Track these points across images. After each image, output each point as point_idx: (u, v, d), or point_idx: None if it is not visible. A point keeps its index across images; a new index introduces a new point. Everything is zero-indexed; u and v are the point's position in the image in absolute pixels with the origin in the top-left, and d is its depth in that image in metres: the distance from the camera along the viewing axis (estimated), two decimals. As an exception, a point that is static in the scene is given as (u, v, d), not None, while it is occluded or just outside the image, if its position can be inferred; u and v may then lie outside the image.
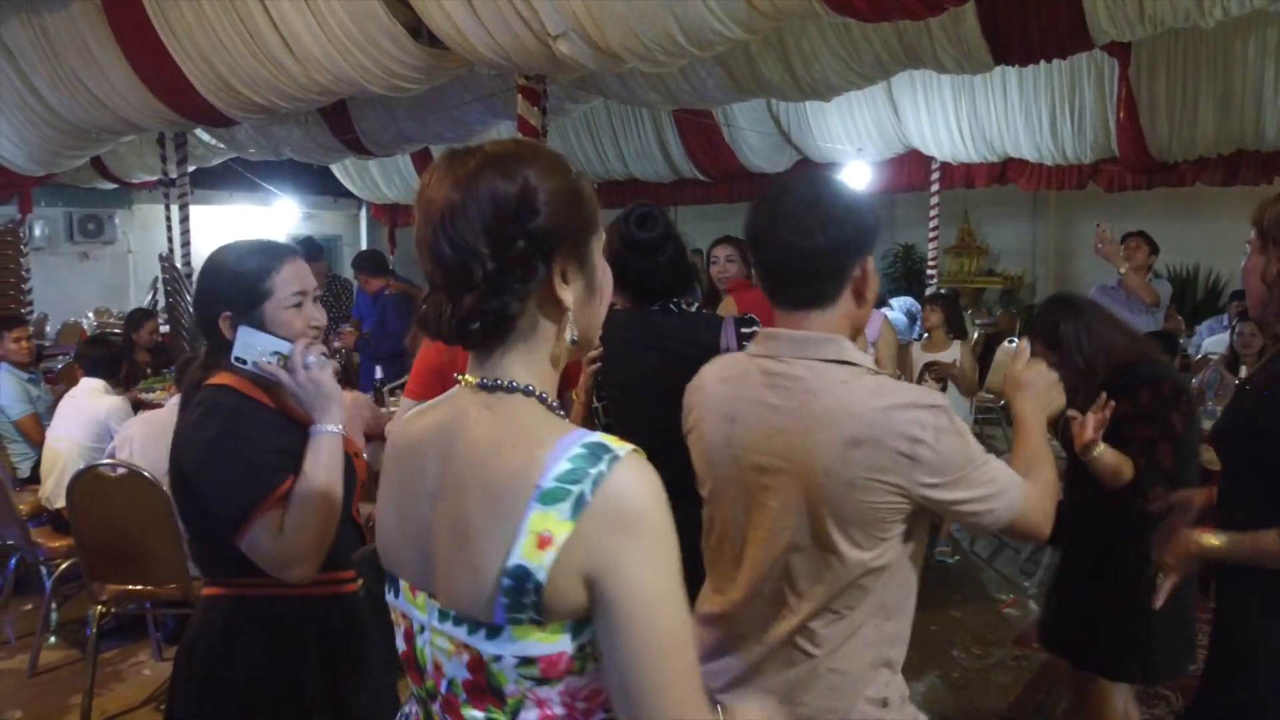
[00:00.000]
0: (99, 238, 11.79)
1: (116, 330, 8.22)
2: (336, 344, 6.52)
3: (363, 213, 14.36)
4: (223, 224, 10.95)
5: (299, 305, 1.82)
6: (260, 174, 11.10)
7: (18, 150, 6.36)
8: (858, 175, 8.94)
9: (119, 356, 5.09)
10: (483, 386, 1.07)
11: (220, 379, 1.78)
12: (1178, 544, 1.97)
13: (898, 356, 4.75)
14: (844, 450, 1.41)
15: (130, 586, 3.61)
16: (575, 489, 0.96)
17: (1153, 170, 7.79)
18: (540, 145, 1.11)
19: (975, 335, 8.19)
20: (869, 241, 1.53)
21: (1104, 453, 2.43)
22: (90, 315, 10.53)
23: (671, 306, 2.41)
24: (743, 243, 4.17)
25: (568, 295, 1.07)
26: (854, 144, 8.77)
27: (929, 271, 9.34)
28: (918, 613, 1.57)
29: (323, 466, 1.73)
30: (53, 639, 4.24)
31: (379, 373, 5.94)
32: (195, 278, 1.92)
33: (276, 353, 1.76)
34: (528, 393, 1.06)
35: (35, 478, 4.82)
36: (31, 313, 8.97)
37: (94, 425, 4.43)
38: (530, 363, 1.08)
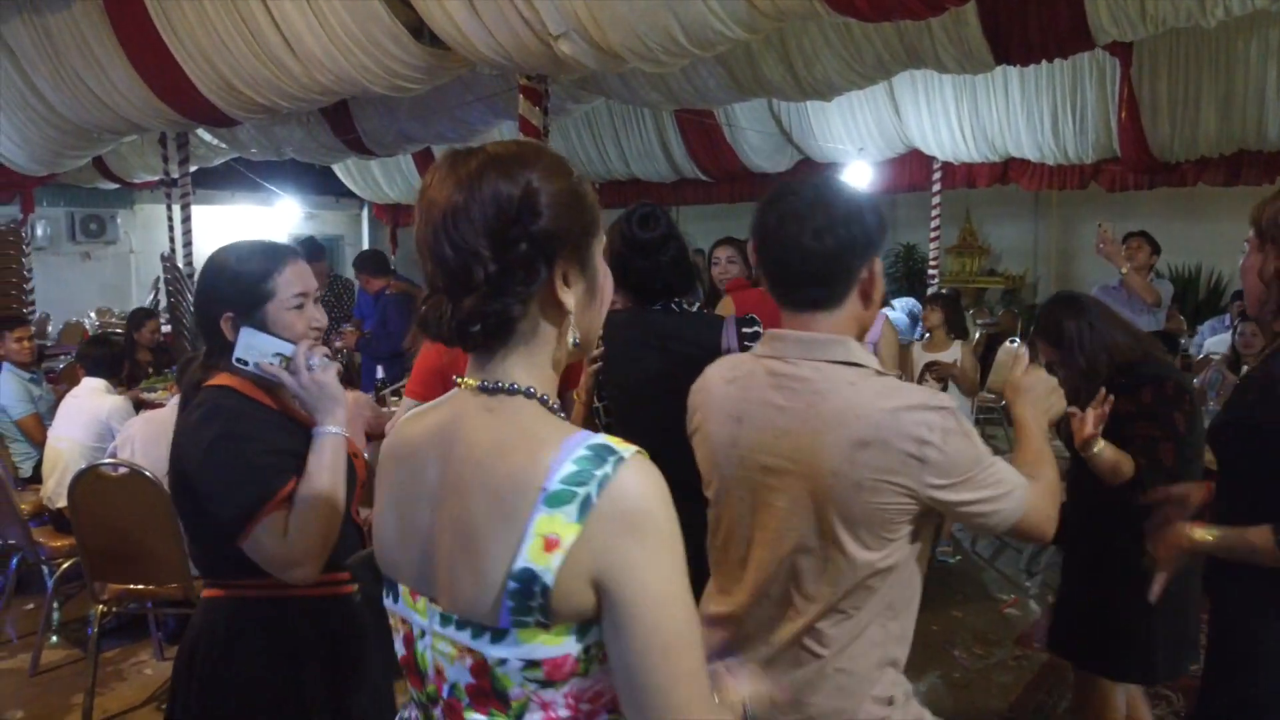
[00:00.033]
0: (101, 238, 11.80)
1: (118, 330, 8.22)
2: (338, 344, 6.52)
3: (364, 213, 14.38)
4: (224, 224, 10.97)
5: (300, 306, 1.82)
6: (262, 174, 11.11)
7: (20, 150, 6.36)
8: (859, 175, 8.94)
9: (120, 356, 5.09)
10: (483, 389, 1.07)
11: (220, 380, 1.77)
12: (1168, 537, 1.99)
13: (899, 357, 4.75)
14: (852, 451, 1.41)
15: (132, 586, 3.62)
16: (581, 491, 0.96)
17: (1154, 170, 7.79)
18: (542, 147, 1.11)
19: (977, 335, 8.19)
20: (876, 243, 1.53)
21: (1103, 449, 2.43)
22: (92, 315, 10.55)
23: (673, 306, 2.41)
24: (744, 244, 4.17)
25: (569, 298, 1.07)
26: (855, 144, 8.77)
27: (930, 271, 9.34)
28: (919, 612, 1.57)
29: (326, 468, 1.73)
30: (54, 638, 4.24)
31: (380, 373, 5.95)
32: (196, 278, 1.91)
33: (279, 354, 1.76)
34: (529, 395, 1.06)
35: (37, 477, 4.83)
36: (33, 312, 8.98)
37: (95, 425, 4.44)
38: (531, 365, 1.08)
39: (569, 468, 0.97)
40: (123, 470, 3.52)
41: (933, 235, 9.16)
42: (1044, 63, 5.65)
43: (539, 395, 1.07)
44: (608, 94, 6.72)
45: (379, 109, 7.39)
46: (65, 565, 4.04)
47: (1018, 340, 1.97)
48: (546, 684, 1.00)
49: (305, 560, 1.67)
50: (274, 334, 1.77)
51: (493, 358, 1.07)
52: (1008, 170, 8.68)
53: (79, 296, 11.19)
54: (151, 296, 10.57)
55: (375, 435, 4.20)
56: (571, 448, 0.99)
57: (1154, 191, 8.24)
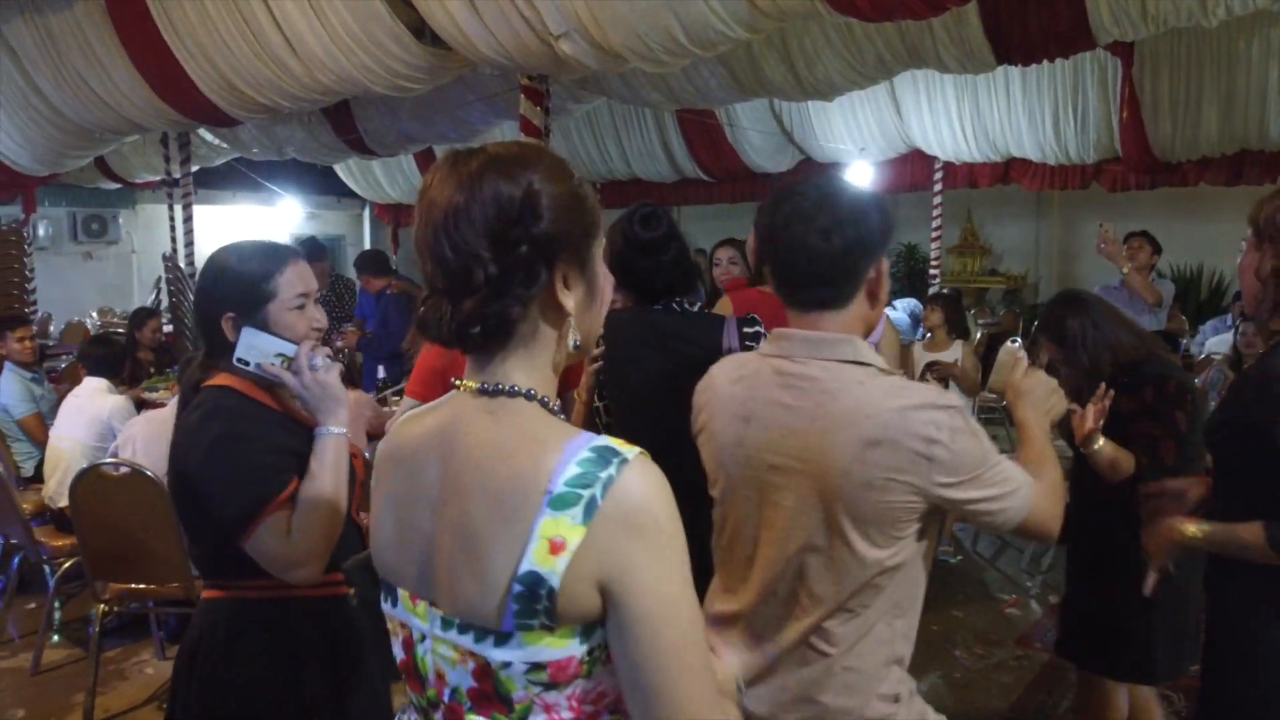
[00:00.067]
0: (102, 237, 11.82)
1: (120, 330, 8.23)
2: (339, 344, 6.52)
3: (366, 213, 14.39)
4: (226, 224, 10.99)
5: (302, 307, 1.82)
6: (263, 174, 11.11)
7: (22, 150, 6.37)
8: (860, 175, 8.94)
9: (122, 356, 5.10)
10: (483, 391, 1.06)
11: (220, 380, 1.77)
12: (1160, 531, 2.01)
13: (900, 357, 4.75)
14: (861, 450, 1.41)
15: (133, 585, 3.62)
16: (586, 493, 0.96)
17: (1156, 170, 7.79)
18: (543, 148, 1.11)
19: (978, 335, 8.19)
20: (883, 242, 1.54)
21: (1104, 446, 2.44)
22: (94, 315, 10.56)
23: (674, 306, 2.41)
24: (744, 244, 4.17)
25: (569, 301, 1.07)
26: (857, 144, 8.77)
27: (932, 271, 9.33)
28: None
29: (329, 468, 1.73)
30: (55, 638, 4.24)
31: (381, 372, 5.95)
32: (196, 278, 1.92)
33: (280, 354, 1.76)
34: (529, 397, 1.06)
35: (38, 477, 4.83)
36: (35, 312, 8.98)
37: (97, 424, 4.44)
38: (531, 367, 1.07)
39: (573, 470, 0.97)
40: (124, 470, 3.52)
41: (934, 235, 9.16)
42: (1045, 62, 5.65)
43: (539, 397, 1.06)
44: (609, 94, 6.72)
45: (380, 109, 7.40)
46: (67, 565, 4.05)
47: (1019, 340, 1.97)
48: (550, 686, 1.00)
49: (308, 560, 1.67)
50: (275, 334, 1.77)
51: (492, 360, 1.07)
52: (1009, 170, 8.68)
53: (81, 296, 11.21)
54: (153, 296, 10.58)
55: (376, 435, 4.19)
56: (574, 450, 0.98)
57: (1156, 191, 8.24)
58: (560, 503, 0.96)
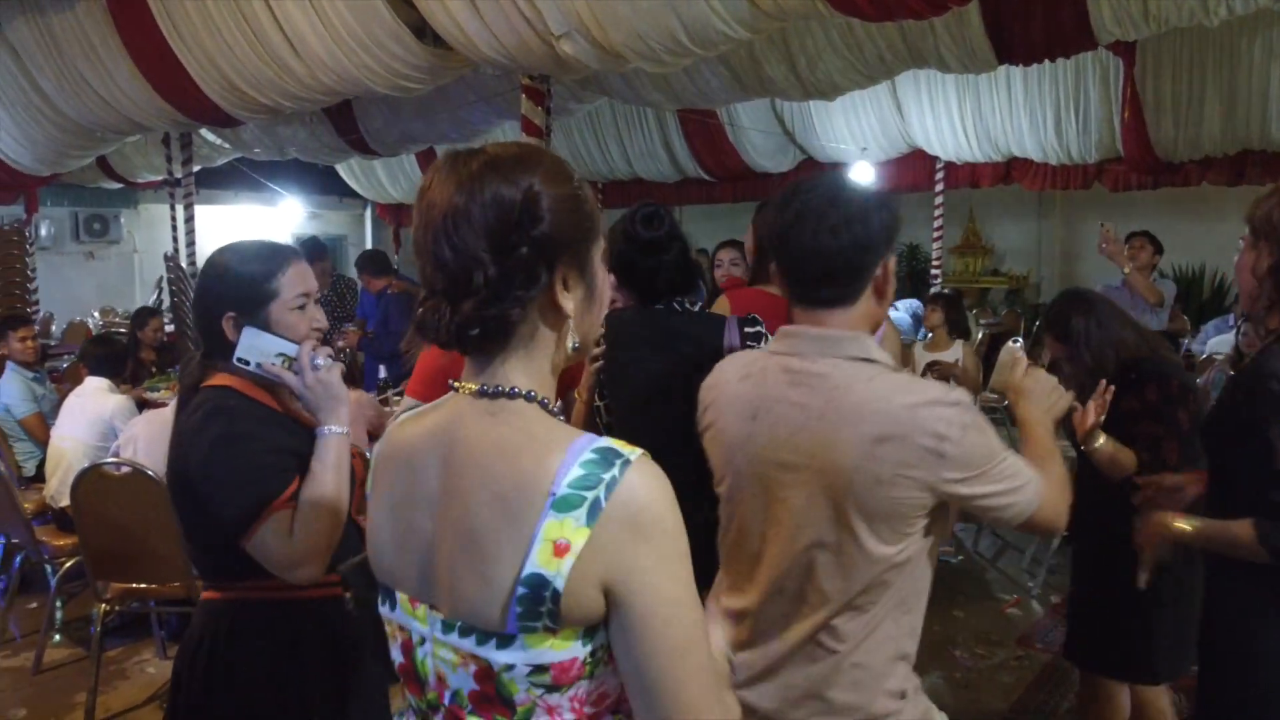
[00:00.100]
0: (104, 237, 11.83)
1: (121, 330, 8.23)
2: (340, 344, 6.52)
3: (368, 212, 14.40)
4: (228, 224, 11.01)
5: (303, 307, 1.82)
6: (265, 174, 11.13)
7: (24, 150, 6.37)
8: (862, 175, 8.93)
9: (123, 355, 5.10)
10: (483, 393, 1.06)
11: (219, 380, 1.77)
12: (1150, 525, 2.03)
13: (901, 356, 4.75)
14: (871, 447, 1.42)
15: (134, 585, 3.63)
16: (590, 495, 0.96)
17: (1158, 170, 7.78)
18: (543, 150, 1.10)
19: (980, 335, 8.19)
20: (891, 240, 1.55)
21: (1104, 444, 2.44)
22: (96, 314, 10.57)
23: (675, 306, 2.41)
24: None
25: (569, 303, 1.06)
26: (858, 144, 8.77)
27: (934, 271, 9.33)
28: (919, 613, 1.58)
29: (331, 467, 1.73)
30: (57, 637, 4.24)
31: (382, 372, 5.95)
32: (196, 278, 1.92)
33: (281, 354, 1.76)
34: (530, 398, 1.05)
35: (40, 476, 4.83)
36: (37, 312, 8.99)
37: (99, 424, 4.44)
38: (530, 369, 1.07)
39: (576, 472, 0.97)
40: (125, 469, 3.53)
41: (936, 235, 9.16)
42: (1047, 62, 5.65)
43: (540, 399, 1.06)
44: (610, 94, 6.72)
45: (382, 109, 7.41)
46: (68, 564, 4.05)
47: (1020, 341, 1.98)
48: (553, 688, 1.00)
49: (310, 560, 1.67)
50: (276, 334, 1.77)
51: (491, 361, 1.06)
52: (1011, 170, 8.68)
53: (82, 296, 11.23)
54: (155, 296, 10.59)
55: (378, 435, 4.20)
56: (577, 451, 0.98)
57: (1158, 191, 8.23)
58: (564, 504, 0.96)
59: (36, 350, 5.44)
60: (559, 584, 0.95)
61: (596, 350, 2.36)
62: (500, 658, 0.99)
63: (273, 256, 1.82)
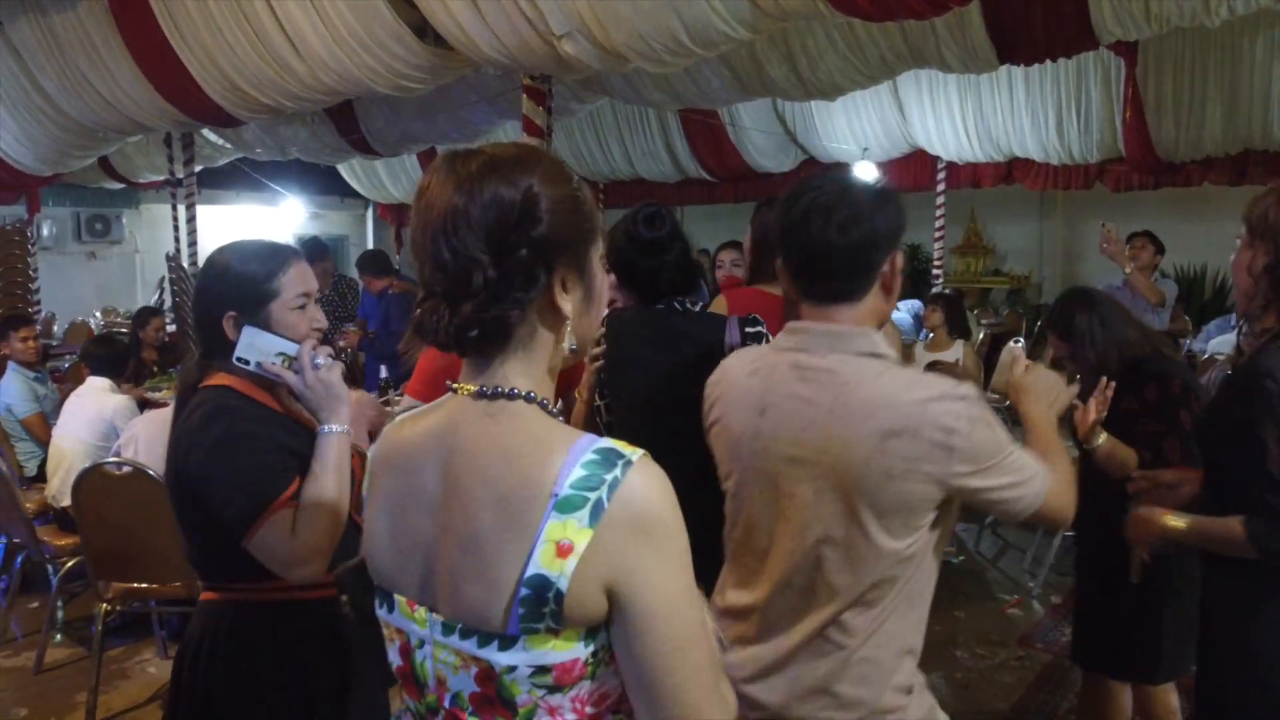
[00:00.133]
0: (106, 237, 11.84)
1: (123, 330, 8.24)
2: (341, 343, 6.53)
3: (369, 213, 14.40)
4: (230, 224, 11.01)
5: (303, 307, 1.82)
6: (267, 174, 11.13)
7: (25, 150, 6.38)
8: (864, 175, 8.93)
9: (125, 355, 5.10)
10: (482, 394, 1.05)
11: (219, 380, 1.78)
12: (1140, 520, 2.05)
13: (902, 356, 4.75)
14: (881, 441, 1.43)
15: (135, 584, 3.63)
16: (592, 496, 0.96)
17: (1159, 170, 7.78)
18: (542, 150, 1.10)
19: (981, 335, 8.18)
20: (898, 236, 1.56)
21: (1105, 441, 2.44)
22: (97, 314, 10.58)
23: (676, 306, 2.41)
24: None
25: (567, 304, 1.06)
26: (860, 144, 8.77)
27: (935, 271, 9.33)
28: (920, 612, 1.58)
29: (332, 467, 1.73)
30: (58, 637, 4.25)
31: (383, 372, 5.95)
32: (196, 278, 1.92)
33: (282, 353, 1.76)
34: (529, 399, 1.05)
35: (41, 476, 4.83)
36: (39, 312, 9.01)
37: (100, 424, 4.45)
38: (529, 370, 1.07)
39: (578, 472, 0.97)
40: (127, 469, 3.53)
41: (937, 235, 9.16)
42: (1048, 62, 5.64)
43: (539, 400, 1.06)
44: (611, 94, 6.72)
45: (383, 109, 7.41)
46: (69, 564, 4.05)
47: (1021, 341, 1.98)
48: (555, 689, 1.00)
49: (312, 559, 1.67)
50: (277, 334, 1.77)
51: (490, 363, 1.06)
52: (1012, 170, 8.67)
53: (84, 296, 11.24)
54: (156, 296, 10.60)
55: (379, 435, 4.21)
56: (578, 452, 0.98)
57: (1159, 191, 8.22)
58: (566, 505, 0.96)
59: (38, 350, 5.44)
60: (562, 585, 0.95)
61: (597, 350, 2.37)
62: (502, 659, 0.99)
63: (274, 256, 1.82)
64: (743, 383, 1.62)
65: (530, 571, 0.96)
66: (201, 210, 8.48)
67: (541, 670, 0.99)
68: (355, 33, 4.39)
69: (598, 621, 0.99)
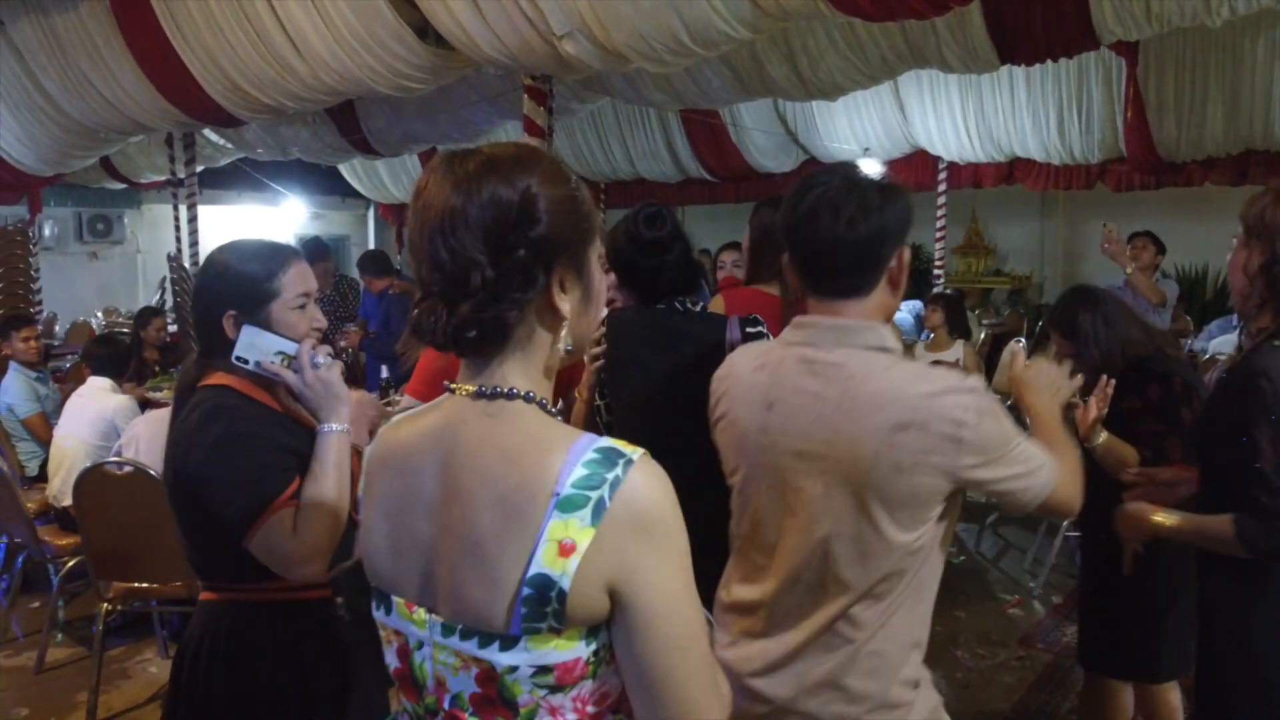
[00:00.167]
0: (108, 237, 11.85)
1: (124, 330, 8.25)
2: (342, 343, 6.53)
3: (370, 213, 14.40)
4: (231, 224, 11.00)
5: (303, 306, 1.82)
6: (268, 174, 11.14)
7: (27, 150, 6.39)
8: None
9: (126, 355, 5.10)
10: (480, 394, 1.05)
11: (217, 379, 1.77)
12: (1130, 515, 2.07)
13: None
14: (891, 434, 1.44)
15: (136, 584, 3.63)
16: (594, 495, 0.96)
17: (1161, 170, 7.77)
18: (540, 150, 1.10)
19: (983, 335, 8.18)
20: (905, 231, 1.56)
21: (1105, 439, 2.44)
22: (99, 315, 10.59)
23: (677, 306, 2.41)
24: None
25: (566, 305, 1.06)
26: (861, 144, 8.76)
27: (936, 271, 9.33)
28: (921, 612, 1.58)
29: (332, 465, 1.73)
30: (59, 636, 4.25)
31: (385, 372, 5.95)
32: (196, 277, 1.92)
33: (281, 353, 1.76)
34: (528, 399, 1.05)
35: (43, 476, 4.84)
36: (40, 312, 9.01)
37: (101, 424, 4.45)
38: (527, 370, 1.07)
39: (579, 471, 0.97)
40: (128, 469, 3.54)
41: (938, 235, 9.16)
42: (1049, 62, 5.64)
43: (538, 399, 1.06)
44: (612, 94, 6.72)
45: (384, 109, 7.41)
46: (70, 564, 4.06)
47: (1022, 341, 1.99)
48: (556, 689, 1.00)
49: (313, 557, 1.66)
50: (277, 333, 1.77)
51: (489, 363, 1.06)
52: (1013, 170, 8.67)
53: (86, 296, 11.25)
54: (158, 296, 10.61)
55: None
56: (579, 451, 0.98)
57: (1160, 191, 8.22)
58: (568, 504, 0.96)
59: (39, 350, 5.45)
60: (565, 584, 0.95)
61: (597, 350, 2.37)
62: (504, 660, 0.99)
63: (274, 256, 1.82)
64: (749, 378, 1.63)
65: (532, 571, 0.96)
66: (203, 210, 8.48)
67: (543, 670, 0.99)
68: (356, 33, 4.39)
69: (599, 621, 0.99)
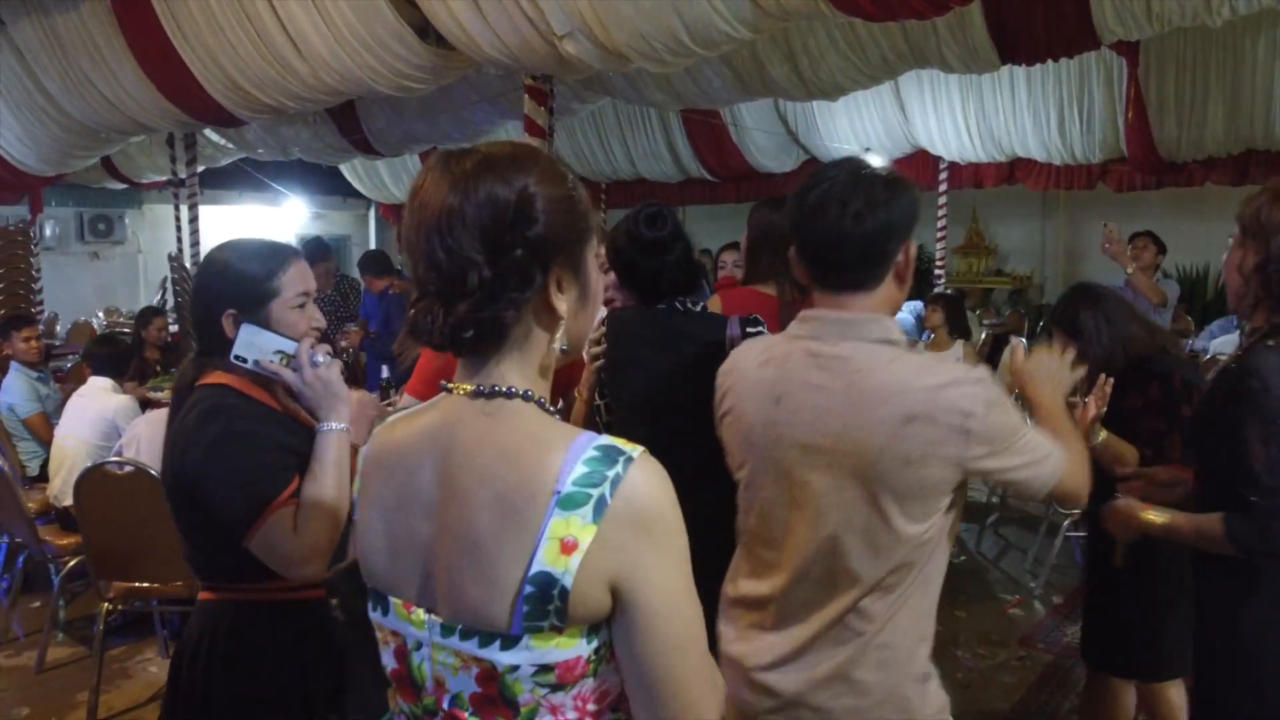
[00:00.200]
0: (109, 237, 11.86)
1: (125, 330, 8.25)
2: (343, 343, 6.53)
3: (371, 213, 14.42)
4: (232, 224, 11.00)
5: (303, 305, 1.82)
6: (269, 174, 11.15)
7: (28, 150, 6.39)
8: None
9: (127, 355, 5.11)
10: (478, 393, 1.05)
11: (216, 378, 1.77)
12: (1119, 512, 2.08)
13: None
14: (898, 426, 1.45)
15: (137, 584, 3.64)
16: (595, 492, 0.96)
17: (1161, 170, 7.77)
18: (538, 149, 1.09)
19: (984, 335, 8.18)
20: (912, 226, 1.57)
21: (1105, 438, 2.44)
22: (100, 315, 10.59)
23: (677, 305, 2.41)
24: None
25: (563, 304, 1.06)
26: (862, 144, 8.76)
27: (937, 271, 9.32)
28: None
29: (332, 465, 1.73)
30: (60, 636, 4.26)
31: (385, 372, 5.95)
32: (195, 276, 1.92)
33: (280, 351, 1.76)
34: (526, 398, 1.05)
35: (43, 476, 4.84)
36: (42, 312, 9.02)
37: (102, 424, 4.45)
38: (525, 370, 1.06)
39: (580, 469, 0.97)
40: (128, 469, 3.54)
41: (939, 235, 9.15)
42: (1050, 62, 5.64)
43: (536, 398, 1.06)
44: (613, 94, 6.72)
45: (385, 109, 7.42)
46: (71, 563, 4.06)
47: (1023, 339, 1.99)
48: (557, 688, 1.00)
49: (314, 557, 1.66)
50: (276, 332, 1.77)
51: (486, 363, 1.05)
52: (1014, 170, 8.67)
53: (87, 296, 11.26)
54: (159, 296, 10.62)
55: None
56: (579, 449, 0.98)
57: (1161, 191, 8.22)
58: (569, 502, 0.96)
59: (40, 350, 5.45)
60: (567, 581, 0.95)
61: (597, 349, 2.37)
62: (505, 659, 0.99)
63: (273, 255, 1.82)
64: (754, 373, 1.63)
65: (535, 569, 0.96)
66: (204, 210, 8.49)
67: (544, 669, 0.99)
68: (357, 33, 4.40)
69: (600, 619, 0.99)
